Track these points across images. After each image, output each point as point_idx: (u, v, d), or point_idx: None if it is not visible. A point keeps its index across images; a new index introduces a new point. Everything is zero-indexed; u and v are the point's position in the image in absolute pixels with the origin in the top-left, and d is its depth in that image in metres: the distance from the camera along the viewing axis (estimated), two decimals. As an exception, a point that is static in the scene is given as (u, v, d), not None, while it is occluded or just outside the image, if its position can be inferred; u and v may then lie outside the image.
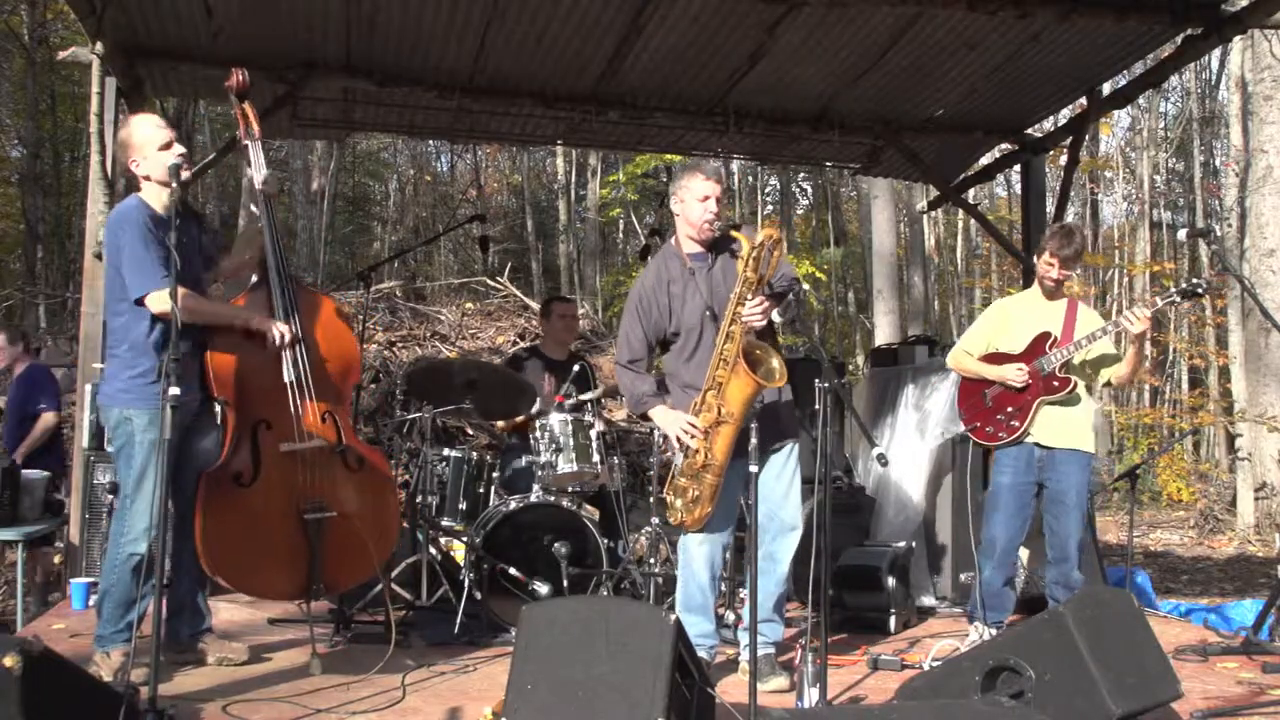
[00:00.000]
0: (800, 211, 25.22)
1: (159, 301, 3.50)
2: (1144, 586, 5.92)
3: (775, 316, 3.68)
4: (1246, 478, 12.24)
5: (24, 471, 5.71)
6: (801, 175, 23.28)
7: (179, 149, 3.65)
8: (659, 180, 19.36)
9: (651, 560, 4.76)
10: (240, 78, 3.85)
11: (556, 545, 4.48)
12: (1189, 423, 18.33)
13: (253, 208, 3.93)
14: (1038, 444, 4.40)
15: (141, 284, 3.52)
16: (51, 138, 16.76)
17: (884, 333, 13.31)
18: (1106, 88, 7.13)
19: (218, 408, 3.77)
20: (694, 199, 3.78)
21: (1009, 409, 4.41)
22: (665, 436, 3.89)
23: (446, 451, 5.33)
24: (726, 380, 3.59)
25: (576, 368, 5.37)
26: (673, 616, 2.71)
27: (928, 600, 5.53)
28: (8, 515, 5.44)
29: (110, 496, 4.96)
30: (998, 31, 5.53)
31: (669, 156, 13.57)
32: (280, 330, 3.68)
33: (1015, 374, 4.39)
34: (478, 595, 4.42)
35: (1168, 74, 6.94)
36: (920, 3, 5.16)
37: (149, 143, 3.64)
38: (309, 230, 16.48)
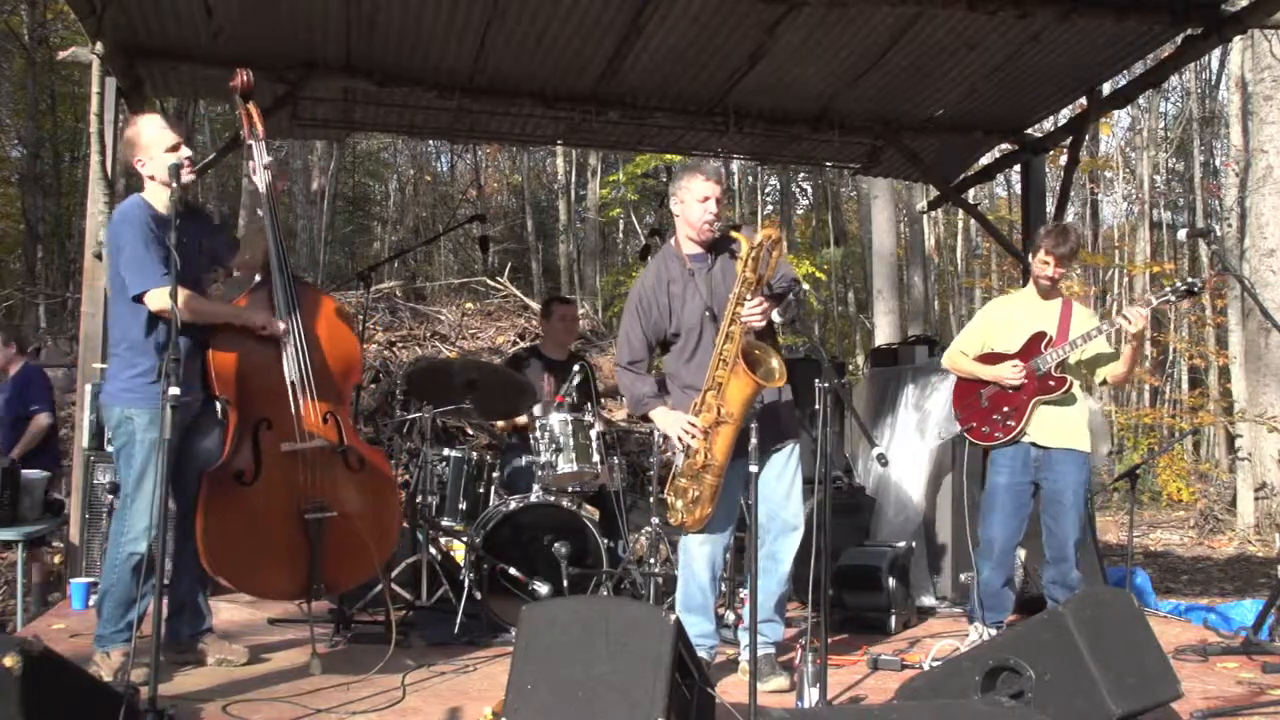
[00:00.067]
0: (800, 211, 25.22)
1: (157, 299, 3.50)
2: (1144, 586, 5.92)
3: (775, 317, 3.68)
4: (1246, 478, 12.24)
5: (24, 471, 5.71)
6: (801, 175, 23.28)
7: (186, 151, 3.67)
8: (659, 180, 19.35)
9: (651, 560, 4.76)
10: (245, 78, 3.86)
11: (556, 545, 4.48)
12: (1189, 423, 18.32)
13: (258, 210, 3.93)
14: (1034, 444, 4.40)
15: (140, 281, 3.53)
16: (51, 138, 16.76)
17: (884, 333, 13.31)
18: (1106, 88, 7.13)
19: (219, 407, 3.78)
20: (694, 200, 3.78)
21: (1005, 409, 4.41)
22: (665, 437, 3.90)
23: (446, 451, 5.33)
24: (726, 380, 3.59)
25: (576, 367, 5.36)
26: (673, 616, 2.71)
27: (928, 600, 5.53)
28: (8, 515, 5.44)
29: (110, 496, 4.96)
30: (998, 31, 5.53)
31: (669, 156, 13.57)
32: (279, 325, 3.68)
33: (1011, 372, 4.39)
34: (478, 595, 4.42)
35: (1168, 74, 6.94)
36: (920, 3, 5.16)
37: (156, 143, 3.64)
38: (309, 230, 16.48)
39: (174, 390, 3.01)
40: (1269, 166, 11.31)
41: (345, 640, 4.22)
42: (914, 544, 5.37)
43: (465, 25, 5.51)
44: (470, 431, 8.90)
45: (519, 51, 5.81)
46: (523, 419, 5.36)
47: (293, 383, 3.71)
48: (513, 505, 4.77)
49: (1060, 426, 4.39)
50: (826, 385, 3.27)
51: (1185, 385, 21.34)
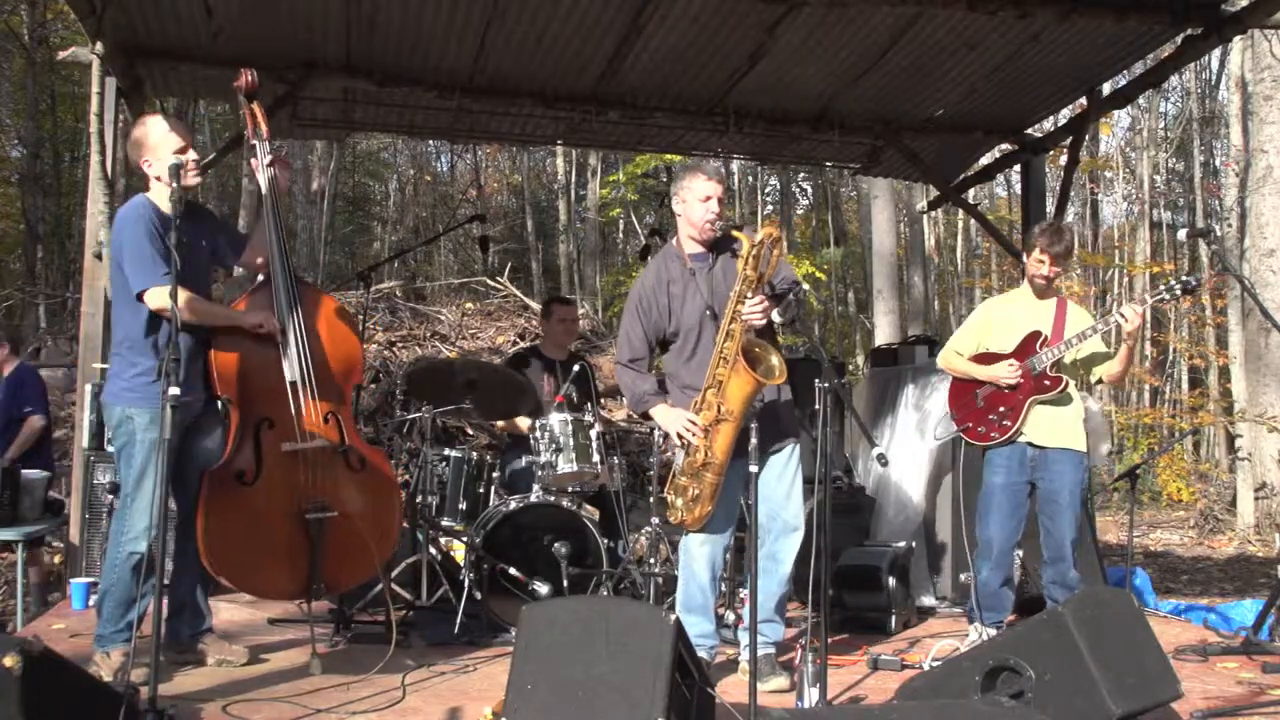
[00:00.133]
0: (800, 211, 25.22)
1: (157, 298, 3.51)
2: (1144, 586, 5.92)
3: (775, 317, 3.69)
4: (1246, 478, 12.24)
5: (24, 472, 5.71)
6: (801, 175, 23.28)
7: (192, 154, 3.68)
8: (659, 180, 19.36)
9: (651, 560, 4.76)
10: (249, 78, 3.86)
11: (556, 545, 4.48)
12: (1189, 423, 18.32)
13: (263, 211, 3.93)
14: (1030, 443, 4.39)
15: (142, 279, 3.54)
16: (51, 138, 16.77)
17: (884, 333, 13.31)
18: (1106, 88, 7.13)
19: (221, 407, 3.78)
20: (695, 199, 3.79)
21: (1001, 409, 4.41)
22: (665, 436, 3.90)
23: (446, 451, 5.33)
24: (726, 378, 3.59)
25: (576, 368, 5.36)
26: (673, 616, 2.71)
27: (928, 600, 5.53)
28: (8, 515, 5.44)
29: (110, 496, 4.96)
30: (998, 31, 5.53)
31: (669, 156, 13.58)
32: (275, 323, 3.69)
33: (1008, 371, 4.39)
34: (478, 595, 4.42)
35: (1168, 74, 6.94)
36: (920, 3, 5.16)
37: (163, 144, 3.65)
38: (309, 230, 16.48)
39: (174, 390, 3.01)
40: (1269, 166, 11.31)
41: (345, 640, 4.22)
42: (914, 544, 5.37)
43: (465, 25, 5.51)
44: (470, 431, 8.90)
45: (519, 51, 5.81)
46: (523, 425, 5.34)
47: (293, 382, 3.71)
48: (513, 505, 4.77)
49: (1056, 426, 4.39)
50: (826, 385, 3.27)
51: (1185, 385, 21.35)
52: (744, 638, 3.84)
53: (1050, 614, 3.11)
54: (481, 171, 24.35)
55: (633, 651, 2.66)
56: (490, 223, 18.35)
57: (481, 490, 5.38)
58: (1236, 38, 7.23)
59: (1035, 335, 4.43)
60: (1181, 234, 5.63)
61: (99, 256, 5.33)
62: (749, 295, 3.59)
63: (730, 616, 4.47)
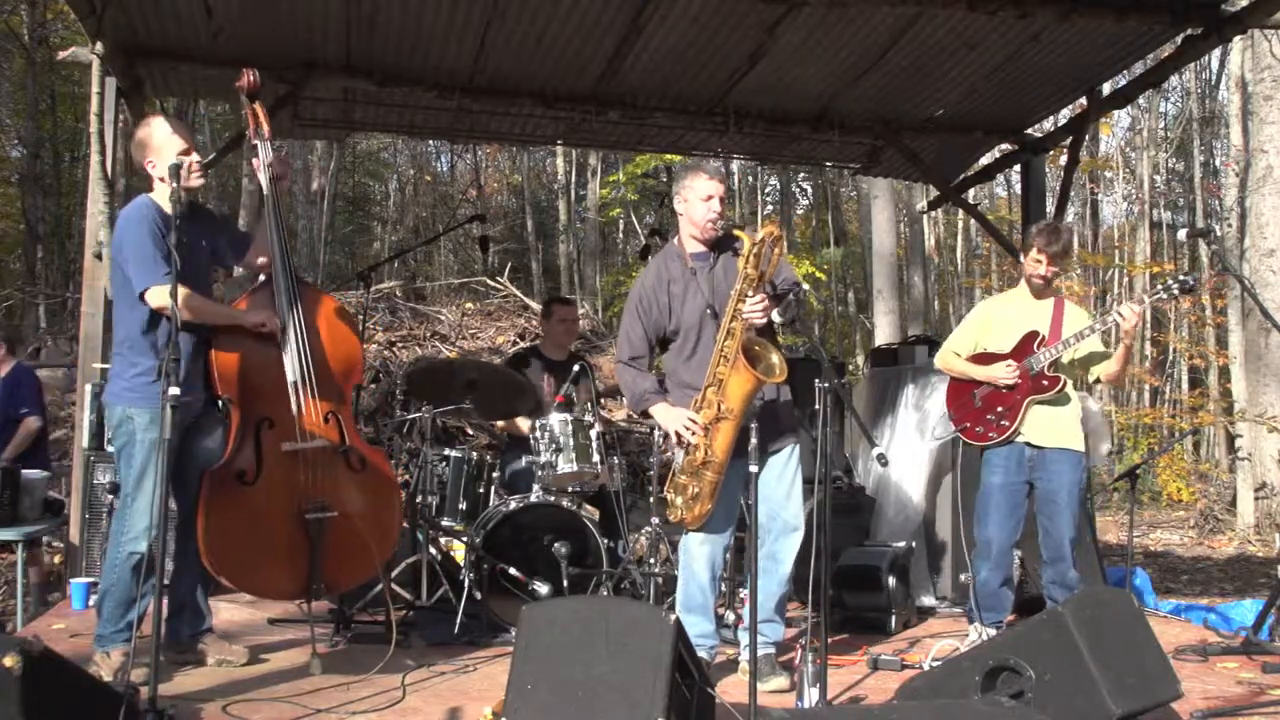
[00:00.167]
0: (800, 211, 25.21)
1: (159, 296, 3.52)
2: (1144, 587, 5.92)
3: (775, 316, 3.69)
4: (1246, 478, 12.24)
5: (24, 472, 5.70)
6: (801, 175, 23.28)
7: (196, 157, 3.70)
8: (659, 180, 19.36)
9: (651, 560, 4.76)
10: (251, 78, 3.87)
11: (556, 545, 4.48)
12: (1189, 423, 18.32)
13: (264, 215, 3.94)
14: (1028, 443, 4.39)
15: (144, 278, 3.55)
16: (51, 138, 16.76)
17: (884, 333, 13.31)
18: (1106, 88, 7.13)
19: (221, 406, 3.79)
20: (697, 198, 3.80)
21: (999, 409, 4.41)
22: (665, 436, 3.90)
23: (446, 451, 5.33)
24: (727, 376, 3.60)
25: (576, 368, 5.36)
26: (673, 616, 2.71)
27: (928, 600, 5.53)
28: (8, 515, 5.44)
29: (110, 496, 4.96)
30: (998, 31, 5.53)
31: (669, 156, 13.58)
32: (276, 321, 3.69)
33: (1005, 371, 4.39)
34: (478, 595, 4.42)
35: (1168, 74, 6.94)
36: (920, 3, 5.16)
37: (168, 145, 3.66)
38: (309, 230, 16.48)
39: (174, 390, 3.02)
40: (1269, 166, 11.31)
41: (345, 640, 4.22)
42: (914, 544, 5.37)
43: (465, 25, 5.51)
44: (470, 431, 8.90)
45: (519, 51, 5.81)
46: (523, 425, 5.34)
47: (294, 382, 3.71)
48: (513, 505, 4.77)
49: (1054, 426, 4.39)
50: (826, 385, 3.27)
51: (1185, 385, 21.35)
52: (744, 638, 3.84)
53: (1050, 614, 3.11)
54: (481, 171, 24.35)
55: (633, 651, 2.66)
56: (490, 223, 18.35)
57: (481, 490, 5.38)
58: (1236, 38, 7.23)
59: (1033, 335, 4.43)
60: (1181, 234, 5.63)
61: (99, 256, 5.33)
62: (750, 294, 3.60)
63: (730, 616, 4.47)
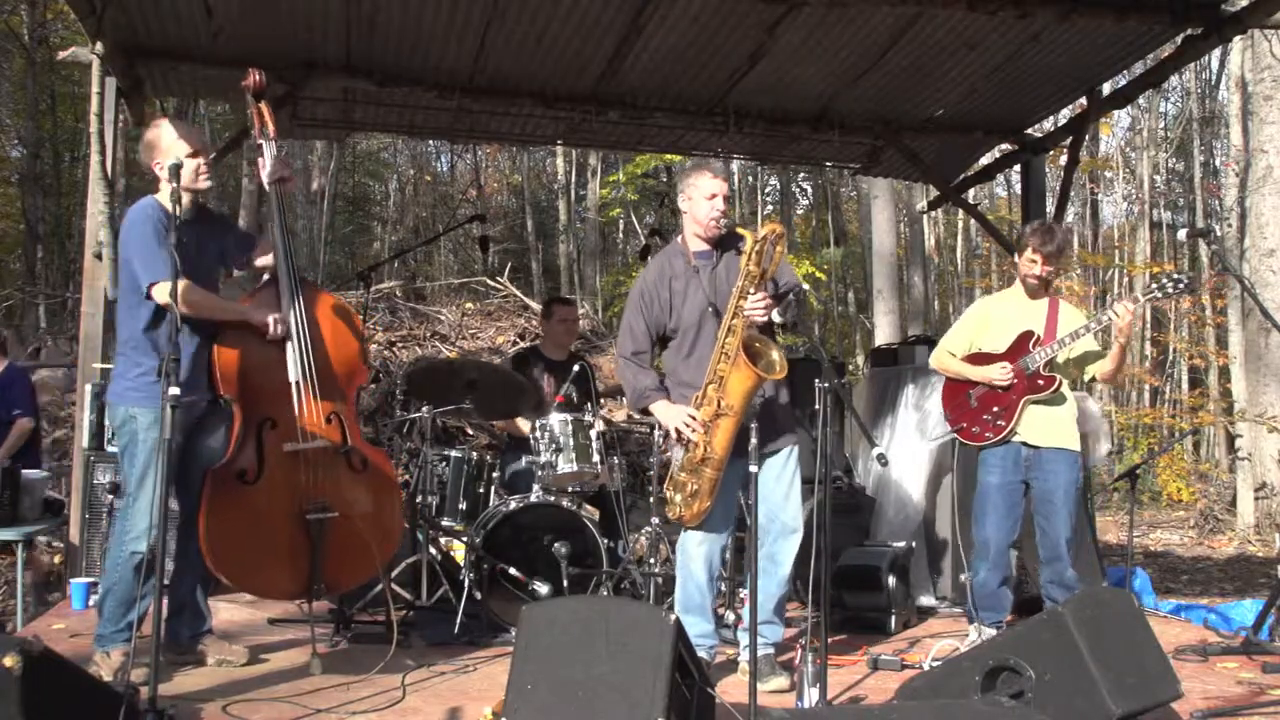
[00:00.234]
0: (800, 211, 25.21)
1: (164, 293, 3.52)
2: (1144, 587, 5.92)
3: (775, 316, 3.70)
4: (1246, 478, 12.23)
5: (24, 472, 5.70)
6: (801, 175, 23.28)
7: (203, 160, 3.72)
8: (659, 180, 19.37)
9: (651, 560, 4.76)
10: (257, 78, 3.88)
11: (556, 545, 4.49)
12: (1189, 423, 18.31)
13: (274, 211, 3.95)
14: (1025, 443, 4.40)
15: (151, 274, 3.56)
16: (51, 138, 16.76)
17: (884, 333, 13.31)
18: (1106, 88, 7.12)
19: (224, 405, 3.79)
20: (701, 196, 3.82)
21: (995, 409, 4.41)
22: (665, 435, 3.91)
23: (446, 451, 5.33)
24: (728, 374, 3.61)
25: (576, 368, 5.36)
26: (673, 616, 2.72)
27: (928, 600, 5.53)
28: (8, 515, 5.43)
29: (110, 496, 4.96)
30: (998, 31, 5.53)
31: (669, 156, 13.59)
32: (277, 321, 3.69)
33: (1000, 373, 4.39)
34: (478, 595, 4.42)
35: (1168, 74, 6.93)
36: (920, 3, 5.16)
37: (175, 148, 3.67)
38: (309, 230, 16.49)
39: (174, 390, 3.02)
40: (1269, 166, 11.30)
41: (345, 640, 4.22)
42: (914, 544, 5.37)
43: (465, 25, 5.51)
44: (470, 431, 8.90)
45: (519, 51, 5.81)
46: (524, 425, 5.34)
47: (296, 382, 3.71)
48: (513, 505, 4.77)
49: (1050, 425, 4.39)
50: (826, 385, 3.28)
51: (1185, 385, 21.34)
52: (743, 638, 3.84)
53: (1050, 614, 3.11)
54: (481, 171, 24.35)
55: (633, 651, 2.66)
56: (490, 223, 18.34)
57: (481, 490, 5.39)
58: (1236, 38, 7.23)
59: (1028, 335, 4.43)
60: (1181, 234, 5.63)
61: (99, 256, 5.33)
62: (751, 291, 3.61)
63: (730, 616, 4.47)
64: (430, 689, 3.59)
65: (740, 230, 3.79)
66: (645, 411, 3.98)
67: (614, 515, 5.03)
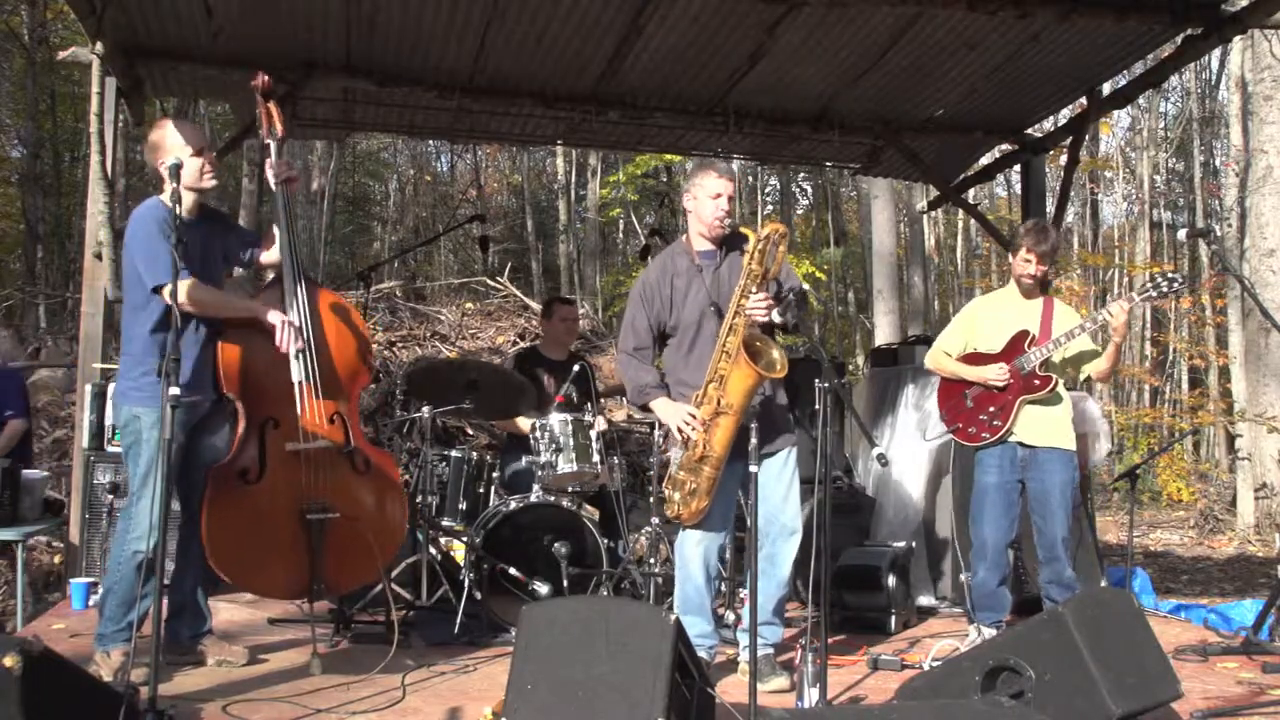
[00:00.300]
0: (800, 211, 25.21)
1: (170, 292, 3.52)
2: (1144, 587, 5.92)
3: (775, 317, 3.70)
4: (1246, 478, 12.23)
5: (24, 472, 5.70)
6: (801, 175, 23.28)
7: (207, 160, 3.72)
8: (659, 180, 19.37)
9: (651, 560, 4.76)
10: (265, 78, 3.88)
11: (556, 545, 4.49)
12: (1189, 423, 18.32)
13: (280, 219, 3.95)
14: (1021, 443, 4.40)
15: (157, 275, 3.55)
16: (51, 138, 16.75)
17: (884, 333, 13.31)
18: (1106, 88, 7.12)
19: (228, 404, 3.79)
20: (706, 196, 3.84)
21: (991, 409, 4.41)
22: (665, 435, 3.91)
23: (446, 451, 5.34)
24: (728, 372, 3.61)
25: (576, 368, 5.36)
26: (673, 616, 2.72)
27: (928, 600, 5.53)
28: (8, 515, 5.43)
29: (110, 496, 4.96)
30: (998, 31, 5.53)
31: (669, 156, 13.58)
32: (285, 320, 3.69)
33: (996, 374, 4.40)
34: (478, 595, 4.42)
35: (1168, 74, 6.93)
36: (920, 3, 5.16)
37: (180, 148, 3.67)
38: (309, 230, 16.50)
39: (174, 390, 3.01)
40: (1269, 166, 11.30)
41: (345, 640, 4.22)
42: (914, 544, 5.37)
43: (465, 25, 5.51)
44: (470, 431, 8.90)
45: (519, 51, 5.81)
46: (524, 425, 5.34)
47: (299, 382, 3.71)
48: (513, 505, 4.77)
49: (1046, 425, 4.39)
50: (826, 385, 3.28)
51: (1185, 385, 21.34)
52: (743, 638, 3.84)
53: (1050, 614, 3.11)
54: (481, 171, 24.35)
55: (633, 651, 2.66)
56: (490, 223, 18.36)
57: (481, 490, 5.39)
58: (1236, 38, 7.22)
59: (1023, 335, 4.44)
60: (1181, 234, 5.63)
61: (99, 256, 5.33)
62: (753, 290, 3.61)
63: (730, 617, 4.47)
64: (430, 689, 3.59)
65: (744, 230, 3.79)
66: (645, 408, 3.98)
67: (614, 515, 5.03)
